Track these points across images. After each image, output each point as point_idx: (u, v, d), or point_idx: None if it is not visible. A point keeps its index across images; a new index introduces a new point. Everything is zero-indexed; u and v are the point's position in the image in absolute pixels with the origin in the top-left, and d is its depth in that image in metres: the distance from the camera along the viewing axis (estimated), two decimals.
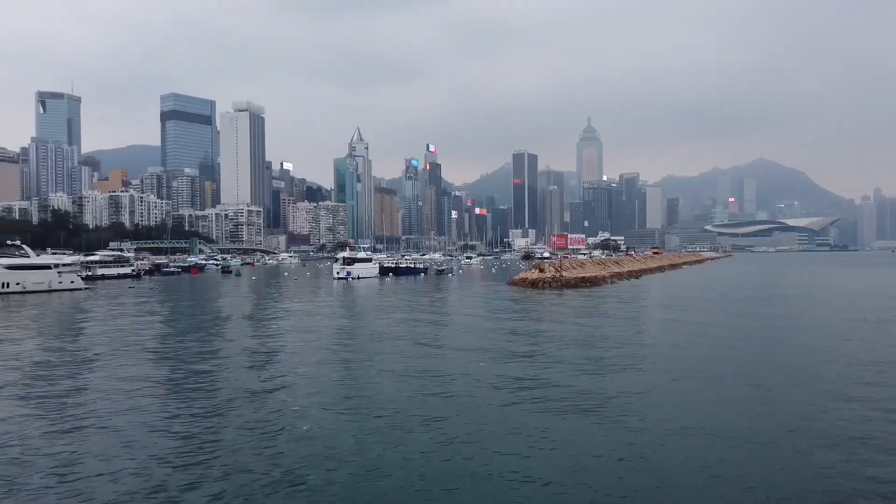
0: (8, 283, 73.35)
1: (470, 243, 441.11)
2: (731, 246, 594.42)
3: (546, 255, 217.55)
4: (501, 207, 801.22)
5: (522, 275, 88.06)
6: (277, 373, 25.54)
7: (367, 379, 24.06)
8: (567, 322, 41.71)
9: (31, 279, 75.91)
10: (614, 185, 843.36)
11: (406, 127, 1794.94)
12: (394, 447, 15.59)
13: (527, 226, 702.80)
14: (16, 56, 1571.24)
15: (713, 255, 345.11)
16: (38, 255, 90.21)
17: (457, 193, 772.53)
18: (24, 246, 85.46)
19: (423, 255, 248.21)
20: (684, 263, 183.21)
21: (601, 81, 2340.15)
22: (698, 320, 42.89)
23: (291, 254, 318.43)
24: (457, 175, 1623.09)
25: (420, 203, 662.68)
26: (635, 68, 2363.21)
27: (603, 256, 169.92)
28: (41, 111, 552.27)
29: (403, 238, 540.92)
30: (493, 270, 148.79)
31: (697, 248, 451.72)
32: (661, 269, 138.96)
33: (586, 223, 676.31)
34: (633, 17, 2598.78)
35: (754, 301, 59.61)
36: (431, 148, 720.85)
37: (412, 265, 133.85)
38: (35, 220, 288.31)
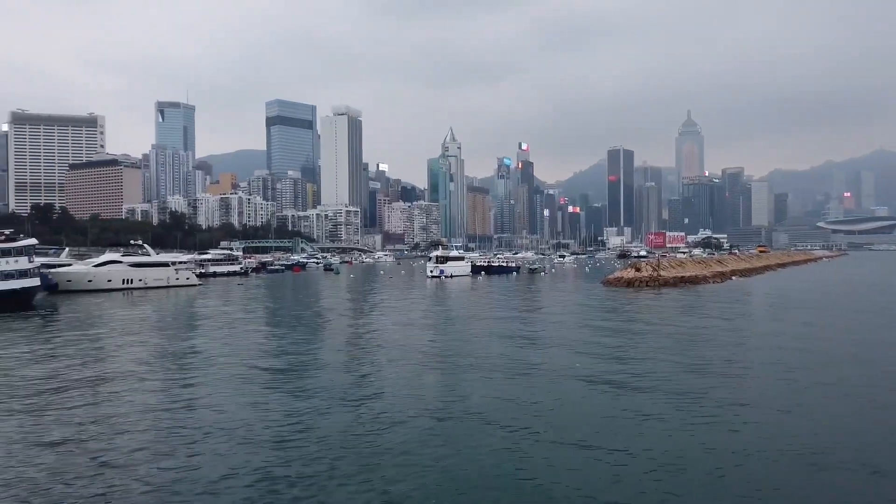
0: (132, 280, 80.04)
1: (563, 242, 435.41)
2: (847, 244, 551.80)
3: (643, 253, 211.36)
4: (595, 205, 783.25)
5: (618, 274, 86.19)
6: (374, 375, 26.63)
7: (460, 396, 23.52)
8: (666, 334, 37.59)
9: (151, 276, 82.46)
10: (716, 180, 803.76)
11: (498, 126, 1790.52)
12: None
13: (622, 224, 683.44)
14: (138, 70, 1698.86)
15: (826, 253, 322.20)
16: (157, 254, 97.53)
17: (549, 191, 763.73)
18: (145, 245, 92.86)
19: (516, 253, 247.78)
20: (793, 263, 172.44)
21: (700, 73, 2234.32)
22: (825, 335, 37.69)
23: (387, 252, 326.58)
24: (549, 173, 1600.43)
25: (512, 202, 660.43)
26: (737, 58, 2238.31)
27: (704, 255, 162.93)
28: (160, 120, 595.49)
29: (495, 237, 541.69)
30: (587, 269, 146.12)
31: (808, 247, 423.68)
32: (768, 268, 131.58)
33: (686, 220, 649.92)
34: (732, 5, 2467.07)
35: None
36: (524, 146, 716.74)
37: (504, 264, 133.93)
38: (155, 220, 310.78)
